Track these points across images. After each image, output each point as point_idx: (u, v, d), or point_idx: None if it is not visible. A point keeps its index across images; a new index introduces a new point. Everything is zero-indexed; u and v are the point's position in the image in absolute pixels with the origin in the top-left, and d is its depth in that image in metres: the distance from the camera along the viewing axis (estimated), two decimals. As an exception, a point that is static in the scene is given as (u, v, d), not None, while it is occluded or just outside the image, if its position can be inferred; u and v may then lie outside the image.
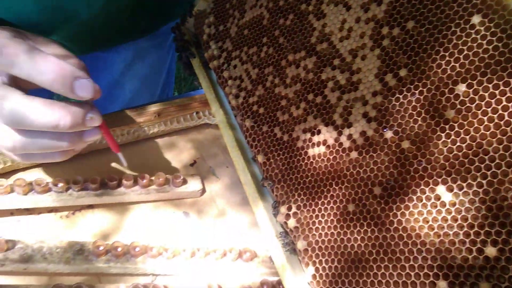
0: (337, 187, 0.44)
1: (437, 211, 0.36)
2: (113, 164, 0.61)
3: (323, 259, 0.43)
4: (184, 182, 0.58)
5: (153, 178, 0.56)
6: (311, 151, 0.47)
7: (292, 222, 0.47)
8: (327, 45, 0.48)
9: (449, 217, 0.36)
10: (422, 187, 0.37)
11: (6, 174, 0.55)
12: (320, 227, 0.44)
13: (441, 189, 0.37)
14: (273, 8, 0.54)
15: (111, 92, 0.85)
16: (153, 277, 0.50)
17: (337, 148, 0.45)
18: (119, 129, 0.61)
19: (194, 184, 0.58)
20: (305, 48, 0.50)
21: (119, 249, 0.47)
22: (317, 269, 0.43)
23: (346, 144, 0.44)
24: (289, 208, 0.47)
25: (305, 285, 0.46)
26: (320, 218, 0.44)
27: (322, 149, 0.47)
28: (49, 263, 0.45)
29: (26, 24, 0.55)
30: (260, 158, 0.52)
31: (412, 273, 0.37)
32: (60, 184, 0.51)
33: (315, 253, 0.44)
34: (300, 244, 0.45)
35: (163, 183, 0.56)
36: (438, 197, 0.37)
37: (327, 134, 0.47)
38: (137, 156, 0.62)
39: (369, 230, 0.40)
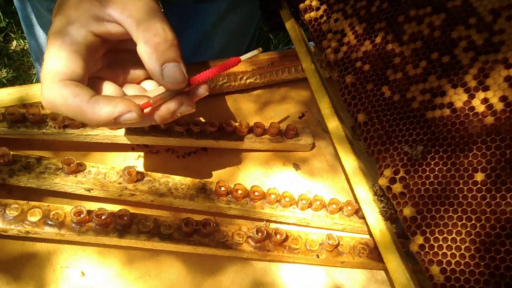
0: (461, 154, 0.41)
1: None
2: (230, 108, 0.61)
3: (437, 229, 0.41)
4: (296, 134, 0.57)
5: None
6: (430, 114, 0.44)
7: (397, 187, 0.44)
8: (461, 3, 0.44)
9: None
10: None
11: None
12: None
13: None
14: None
15: (200, 45, 0.84)
16: (266, 223, 0.50)
17: (466, 112, 0.41)
18: (226, 76, 0.60)
19: (305, 137, 0.57)
20: (431, 4, 0.46)
21: (239, 192, 0.48)
22: (427, 239, 0.41)
23: (480, 108, 0.40)
24: (396, 172, 0.45)
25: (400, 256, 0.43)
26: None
27: (446, 111, 0.43)
28: (175, 198, 0.46)
29: None
30: (361, 117, 0.50)
31: None
32: (182, 124, 0.52)
33: (425, 222, 0.41)
34: (408, 211, 0.43)
35: (276, 132, 0.55)
36: None
37: (454, 97, 0.43)
38: (246, 105, 0.62)
39: (503, 202, 0.37)
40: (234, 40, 0.86)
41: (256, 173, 0.55)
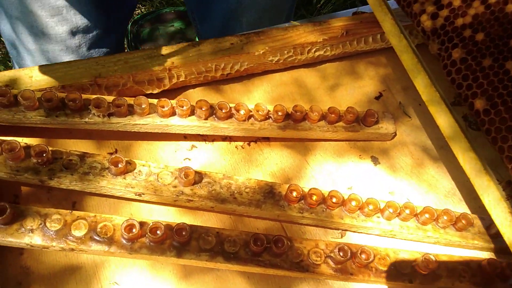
0: None
1: None
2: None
3: None
4: (376, 121, 0.47)
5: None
6: None
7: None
8: None
9: None
10: None
11: (174, 91, 0.49)
12: None
13: None
14: None
15: (226, 25, 0.72)
16: (342, 231, 0.42)
17: None
18: (292, 49, 0.50)
19: (386, 125, 0.48)
20: None
21: (314, 198, 0.40)
22: None
23: None
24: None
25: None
26: None
27: None
28: (239, 205, 0.39)
29: None
30: (480, 104, 0.40)
31: None
32: (243, 111, 0.43)
33: None
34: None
35: (353, 119, 0.46)
36: None
37: None
38: (312, 81, 0.53)
39: None
40: (265, 18, 0.73)
41: (327, 168, 0.47)
